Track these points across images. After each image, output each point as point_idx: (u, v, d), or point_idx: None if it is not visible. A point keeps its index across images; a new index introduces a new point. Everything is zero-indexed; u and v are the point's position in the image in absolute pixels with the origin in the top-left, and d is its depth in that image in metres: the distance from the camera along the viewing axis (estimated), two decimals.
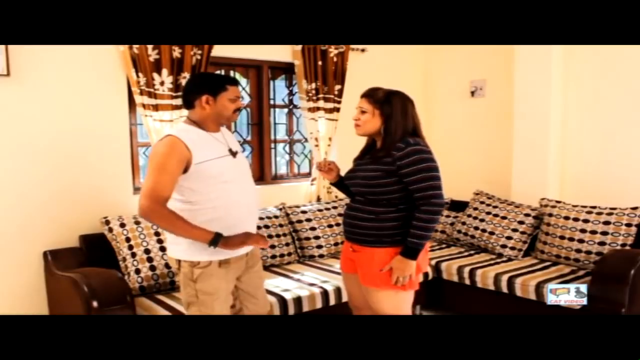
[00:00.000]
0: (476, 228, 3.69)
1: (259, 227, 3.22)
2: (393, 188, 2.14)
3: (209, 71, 3.27)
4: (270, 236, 3.36)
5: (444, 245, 3.88)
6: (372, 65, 4.17)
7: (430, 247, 2.34)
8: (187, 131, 2.08)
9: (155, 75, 3.07)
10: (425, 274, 3.30)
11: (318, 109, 3.85)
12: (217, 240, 1.98)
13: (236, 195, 2.11)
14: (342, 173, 2.42)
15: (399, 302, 2.21)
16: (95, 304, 2.33)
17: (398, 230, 2.15)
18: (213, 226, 2.02)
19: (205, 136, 2.11)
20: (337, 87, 3.92)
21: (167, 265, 2.87)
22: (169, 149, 2.00)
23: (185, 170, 2.01)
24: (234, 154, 2.16)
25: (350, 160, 2.40)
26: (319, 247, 3.52)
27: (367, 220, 2.19)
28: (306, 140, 4.02)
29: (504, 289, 3.10)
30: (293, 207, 3.63)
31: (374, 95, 2.20)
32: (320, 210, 3.66)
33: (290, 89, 4.00)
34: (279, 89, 3.96)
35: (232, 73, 3.68)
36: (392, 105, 2.17)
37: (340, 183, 2.43)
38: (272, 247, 3.36)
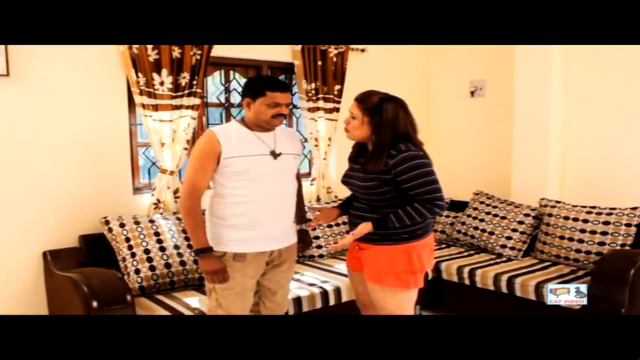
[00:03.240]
0: (476, 228, 3.69)
1: None
2: (393, 195, 2.15)
3: (210, 71, 3.27)
4: None
5: (443, 245, 3.88)
6: (372, 65, 4.16)
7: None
8: (228, 127, 2.22)
9: (155, 75, 3.06)
10: (425, 275, 3.31)
11: (318, 109, 3.85)
12: (199, 252, 2.14)
13: (263, 195, 2.18)
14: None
15: (402, 300, 2.23)
16: (95, 304, 2.33)
17: (403, 228, 2.16)
18: (237, 220, 2.16)
19: (247, 134, 2.19)
20: (337, 87, 3.91)
21: (166, 265, 2.87)
22: (204, 143, 2.15)
23: (218, 164, 2.13)
24: (275, 155, 2.20)
25: None
26: (319, 247, 3.52)
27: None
28: (306, 140, 4.02)
29: (504, 289, 3.10)
30: None
31: (365, 102, 2.16)
32: (320, 211, 3.65)
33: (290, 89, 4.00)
34: None
35: (232, 73, 3.68)
36: (382, 114, 2.12)
37: (344, 205, 2.43)
38: None
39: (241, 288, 2.20)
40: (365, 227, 2.15)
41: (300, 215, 2.46)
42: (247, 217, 2.16)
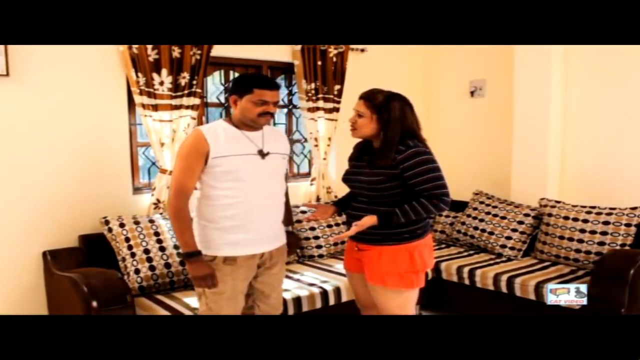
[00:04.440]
0: (476, 228, 3.69)
1: None
2: (397, 191, 2.15)
3: (209, 71, 3.27)
4: None
5: (443, 245, 3.89)
6: (371, 65, 4.16)
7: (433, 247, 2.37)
8: (215, 126, 2.16)
9: (154, 75, 3.06)
10: (425, 274, 3.31)
11: (317, 109, 3.85)
12: (187, 256, 2.09)
13: (253, 196, 2.13)
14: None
15: (405, 300, 2.23)
16: (94, 304, 2.33)
17: (404, 228, 2.16)
18: (227, 223, 2.11)
19: (235, 133, 2.15)
20: (337, 87, 3.92)
21: (166, 265, 2.87)
22: (190, 141, 2.11)
23: (206, 164, 2.09)
24: (263, 154, 2.16)
25: None
26: (319, 247, 3.52)
27: None
28: (306, 140, 4.02)
29: (504, 289, 3.10)
30: (292, 207, 3.61)
31: (372, 99, 2.17)
32: (316, 207, 3.65)
33: (290, 89, 4.00)
34: None
35: (231, 73, 3.68)
36: (390, 111, 2.14)
37: (341, 203, 2.43)
38: None
39: (232, 292, 2.15)
40: (369, 220, 2.13)
41: (288, 217, 2.43)
42: (238, 219, 2.11)
